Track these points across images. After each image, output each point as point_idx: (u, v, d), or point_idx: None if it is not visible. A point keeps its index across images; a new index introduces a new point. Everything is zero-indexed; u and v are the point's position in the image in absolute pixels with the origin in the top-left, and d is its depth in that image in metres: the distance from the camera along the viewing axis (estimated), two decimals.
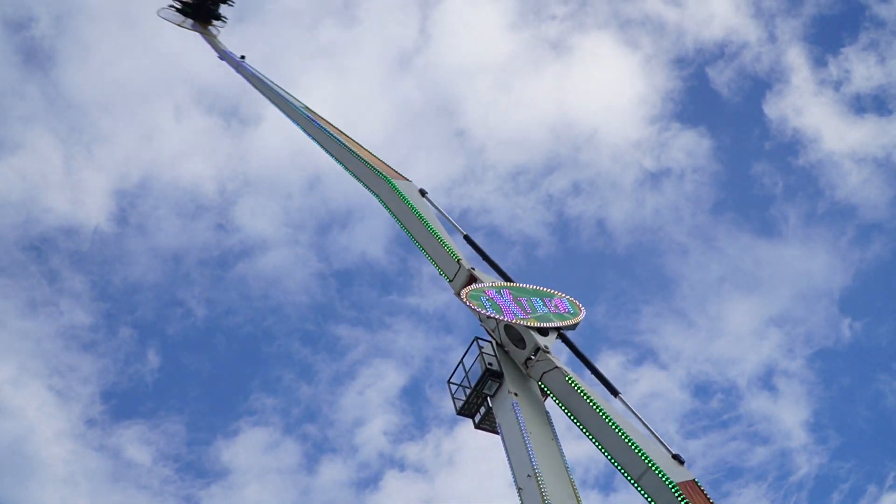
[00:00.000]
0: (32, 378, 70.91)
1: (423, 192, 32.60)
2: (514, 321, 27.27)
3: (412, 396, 76.70)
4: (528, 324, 27.27)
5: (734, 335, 76.52)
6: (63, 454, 69.40)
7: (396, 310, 78.50)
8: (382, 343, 78.93)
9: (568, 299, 29.18)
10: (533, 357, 26.78)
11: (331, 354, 79.74)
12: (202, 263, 78.45)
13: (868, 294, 78.84)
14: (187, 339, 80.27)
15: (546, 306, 28.47)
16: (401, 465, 73.10)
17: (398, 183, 32.41)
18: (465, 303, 27.55)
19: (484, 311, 27.38)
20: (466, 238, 31.08)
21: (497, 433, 26.87)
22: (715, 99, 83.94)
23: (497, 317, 27.29)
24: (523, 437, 25.55)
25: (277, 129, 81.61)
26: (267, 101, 41.81)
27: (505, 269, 29.86)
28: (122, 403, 75.44)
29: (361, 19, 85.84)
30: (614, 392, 26.49)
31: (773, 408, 74.13)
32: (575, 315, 28.59)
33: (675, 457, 23.85)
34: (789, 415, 73.61)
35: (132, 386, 75.92)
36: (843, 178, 78.13)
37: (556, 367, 25.93)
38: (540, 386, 26.78)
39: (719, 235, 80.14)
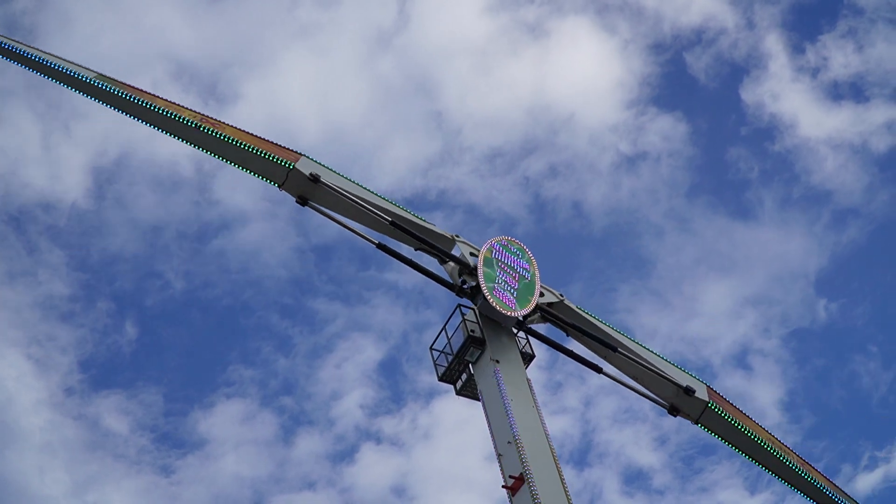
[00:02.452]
0: (11, 347, 70.67)
1: (314, 179, 28.16)
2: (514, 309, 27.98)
3: (389, 370, 77.02)
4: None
5: (709, 315, 77.22)
6: (41, 423, 69.39)
7: (374, 285, 78.59)
8: (360, 317, 79.13)
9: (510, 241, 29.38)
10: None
11: (308, 328, 79.85)
12: (180, 236, 78.16)
13: (844, 276, 79.78)
14: (165, 311, 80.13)
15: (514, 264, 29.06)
16: (377, 438, 73.52)
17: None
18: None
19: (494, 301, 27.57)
20: (380, 246, 28.38)
21: (478, 400, 27.01)
22: (692, 84, 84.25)
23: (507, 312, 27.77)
24: (504, 404, 25.74)
25: (256, 108, 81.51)
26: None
27: None
28: (101, 373, 75.47)
29: None
30: (613, 348, 29.65)
31: (747, 386, 74.97)
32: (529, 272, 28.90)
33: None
34: (764, 393, 74.51)
35: (110, 356, 75.92)
36: (820, 163, 78.83)
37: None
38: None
39: (695, 218, 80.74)
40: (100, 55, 79.49)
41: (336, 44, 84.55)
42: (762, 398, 73.80)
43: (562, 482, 24.80)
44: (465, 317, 27.92)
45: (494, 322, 27.97)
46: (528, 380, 27.16)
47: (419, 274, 28.73)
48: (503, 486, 24.75)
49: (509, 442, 25.20)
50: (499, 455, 25.44)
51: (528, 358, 28.23)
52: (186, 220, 78.51)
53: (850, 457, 72.46)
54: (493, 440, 25.87)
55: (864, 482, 69.41)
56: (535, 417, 26.16)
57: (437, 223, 29.56)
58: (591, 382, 74.64)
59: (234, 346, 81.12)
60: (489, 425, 26.18)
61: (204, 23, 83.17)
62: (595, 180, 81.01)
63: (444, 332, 28.50)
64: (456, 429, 72.28)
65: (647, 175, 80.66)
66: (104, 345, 75.27)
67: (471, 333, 27.41)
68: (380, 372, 76.20)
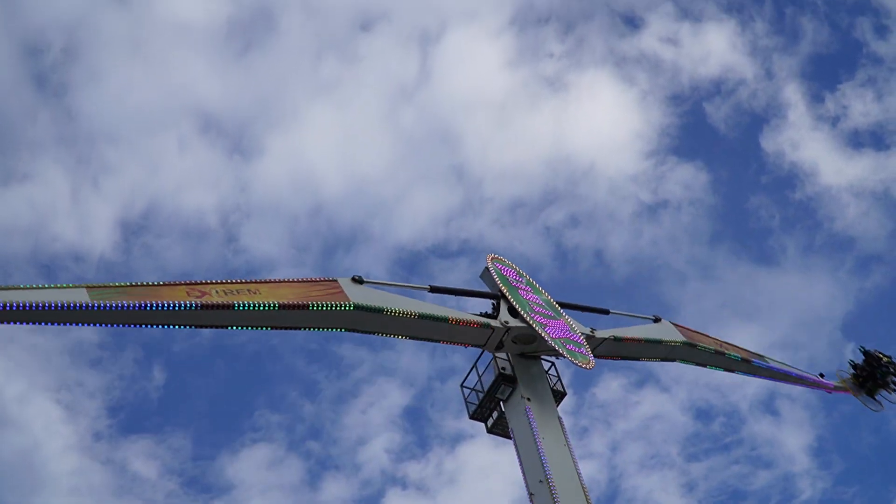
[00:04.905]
0: (40, 392, 71.53)
1: (359, 280, 25.63)
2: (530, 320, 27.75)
3: (414, 416, 76.96)
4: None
5: None
6: (69, 468, 69.90)
7: None
8: (386, 363, 79.33)
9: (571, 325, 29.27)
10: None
11: (334, 373, 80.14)
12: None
13: (871, 320, 79.36)
14: (193, 357, 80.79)
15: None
16: (403, 484, 73.21)
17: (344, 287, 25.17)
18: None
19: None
20: (432, 288, 27.64)
21: (510, 438, 27.00)
22: (712, 134, 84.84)
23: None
24: (536, 442, 25.67)
25: (280, 162, 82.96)
26: None
27: None
28: (129, 418, 76.00)
29: (363, 55, 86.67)
30: (605, 311, 32.02)
31: (775, 432, 74.29)
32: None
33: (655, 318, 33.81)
34: (792, 439, 73.75)
35: (138, 402, 76.50)
36: (842, 210, 79.00)
37: (605, 338, 29.78)
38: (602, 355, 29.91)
39: (718, 265, 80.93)
40: (128, 110, 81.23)
41: (359, 98, 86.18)
42: (791, 444, 73.13)
43: None
44: (496, 355, 28.02)
45: (525, 359, 28.03)
46: (559, 417, 27.12)
47: None
48: None
49: (541, 480, 25.11)
50: (530, 494, 25.30)
51: (558, 395, 28.24)
52: (214, 268, 79.47)
53: (880, 503, 71.42)
54: (525, 478, 25.77)
55: None
56: (566, 455, 26.06)
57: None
58: (618, 427, 74.09)
59: (260, 391, 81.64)
60: (521, 463, 26.10)
61: (230, 78, 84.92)
62: (616, 229, 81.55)
63: (474, 369, 28.63)
64: (482, 473, 72.04)
65: (668, 223, 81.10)
66: (132, 390, 76.05)
67: (501, 371, 27.48)
68: (405, 417, 76.26)
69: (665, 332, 33.11)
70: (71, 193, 77.98)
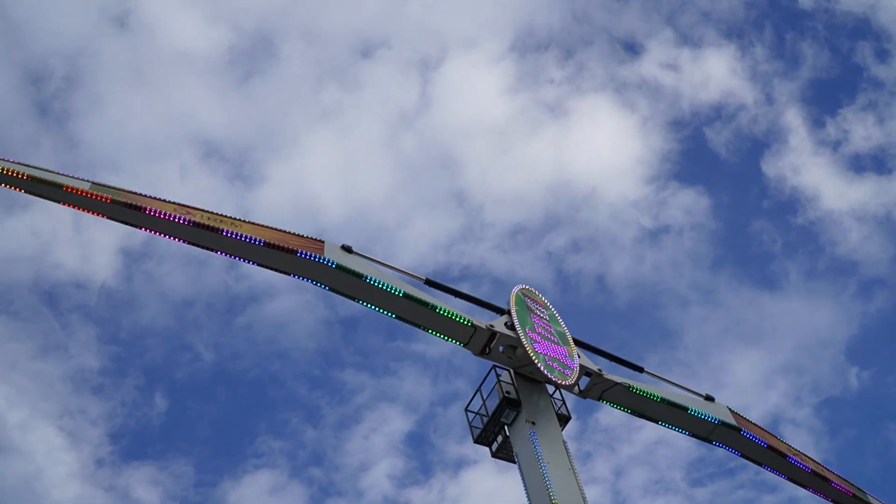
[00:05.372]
0: (43, 419, 71.32)
1: (348, 249, 26.50)
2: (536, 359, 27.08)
3: (417, 441, 76.60)
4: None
5: (739, 385, 76.46)
6: (72, 494, 69.66)
7: (402, 356, 78.73)
8: (388, 388, 79.10)
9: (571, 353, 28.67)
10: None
11: (336, 399, 79.86)
12: (210, 310, 78.98)
13: (875, 344, 79.13)
14: (195, 383, 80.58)
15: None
16: None
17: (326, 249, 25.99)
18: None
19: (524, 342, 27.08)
20: (428, 281, 27.78)
21: (514, 462, 26.72)
22: (713, 159, 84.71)
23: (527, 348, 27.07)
24: (541, 467, 25.34)
25: (281, 190, 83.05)
26: None
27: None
28: (131, 445, 75.67)
29: (364, 82, 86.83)
30: (639, 369, 30.90)
31: None
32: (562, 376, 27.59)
33: (707, 397, 31.74)
34: None
35: (140, 428, 76.19)
36: (844, 235, 78.81)
37: (616, 382, 28.89)
38: (604, 402, 29.18)
39: (720, 289, 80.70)
40: (130, 138, 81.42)
41: (359, 125, 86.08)
42: None
43: None
44: (500, 378, 27.78)
45: (530, 383, 27.81)
46: (564, 442, 26.84)
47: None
48: None
49: None
50: None
51: (563, 419, 27.95)
52: (216, 294, 79.49)
53: None
54: None
55: None
56: (572, 481, 25.72)
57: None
58: (622, 452, 73.62)
59: (262, 417, 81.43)
60: (525, 489, 25.76)
61: (231, 106, 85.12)
62: (618, 254, 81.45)
63: (478, 393, 28.37)
64: (486, 499, 71.58)
65: (670, 248, 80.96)
66: (134, 417, 75.80)
67: (506, 395, 27.20)
68: (408, 442, 75.94)
69: (717, 412, 31.45)
70: (72, 221, 77.98)
